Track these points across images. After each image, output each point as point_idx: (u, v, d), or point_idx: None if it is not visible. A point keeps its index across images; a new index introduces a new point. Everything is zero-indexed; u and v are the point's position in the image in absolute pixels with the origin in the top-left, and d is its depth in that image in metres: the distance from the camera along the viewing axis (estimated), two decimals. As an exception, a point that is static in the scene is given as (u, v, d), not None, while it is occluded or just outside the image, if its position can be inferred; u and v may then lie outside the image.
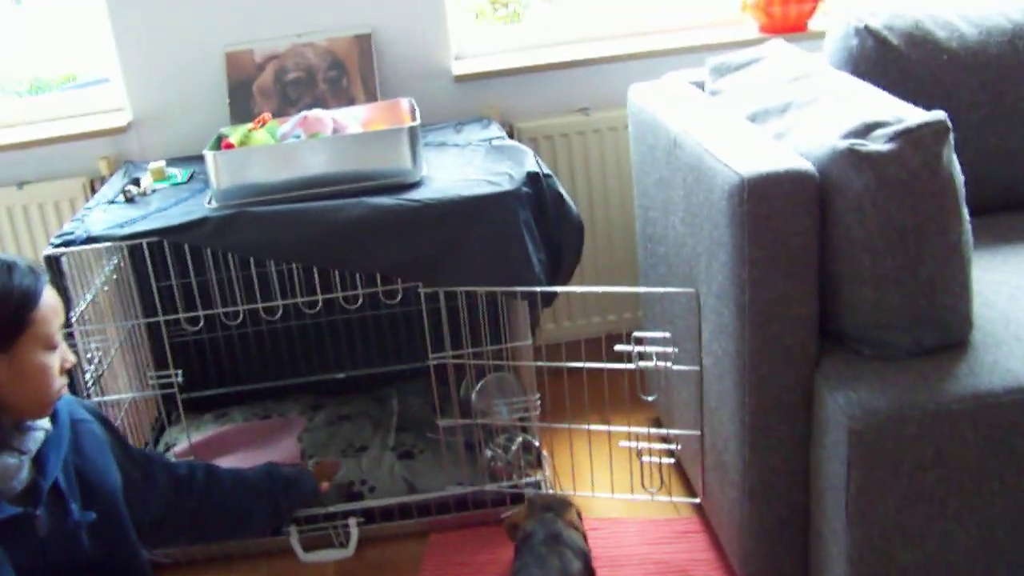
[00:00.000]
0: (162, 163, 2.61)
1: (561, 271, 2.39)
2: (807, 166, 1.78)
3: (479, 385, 2.46)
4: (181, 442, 2.64)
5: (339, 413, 2.75)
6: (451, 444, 2.42)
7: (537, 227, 2.28)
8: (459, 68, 2.86)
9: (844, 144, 1.75)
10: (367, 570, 2.34)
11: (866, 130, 1.77)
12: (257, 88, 2.80)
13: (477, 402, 2.45)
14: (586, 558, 2.02)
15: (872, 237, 1.76)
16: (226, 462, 2.53)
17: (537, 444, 2.46)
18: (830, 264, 1.83)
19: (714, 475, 2.14)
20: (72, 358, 1.74)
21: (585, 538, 2.11)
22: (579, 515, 2.18)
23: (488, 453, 2.44)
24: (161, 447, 2.67)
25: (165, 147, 2.84)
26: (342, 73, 2.80)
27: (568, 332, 3.00)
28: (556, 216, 2.33)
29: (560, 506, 2.14)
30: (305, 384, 2.93)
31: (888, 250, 1.76)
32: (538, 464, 2.46)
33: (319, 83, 2.80)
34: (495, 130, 2.65)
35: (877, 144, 1.73)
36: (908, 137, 1.73)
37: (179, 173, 2.60)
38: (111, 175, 2.75)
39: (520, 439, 2.46)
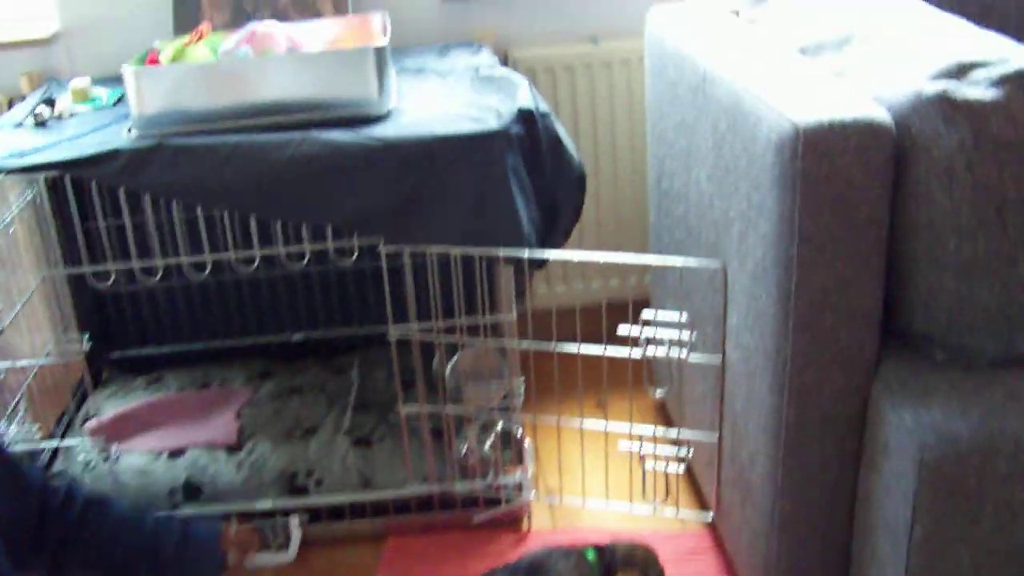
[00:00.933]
0: (86, 81, 2.18)
1: (556, 230, 1.97)
2: (882, 115, 1.36)
3: (452, 361, 2.05)
4: (104, 412, 2.24)
5: (289, 384, 2.35)
6: (416, 431, 2.02)
7: (529, 176, 1.86)
8: (447, -17, 2.42)
9: (933, 88, 1.33)
10: (310, 582, 1.96)
11: (961, 71, 1.35)
12: (207, -3, 2.36)
13: (449, 382, 2.05)
14: None
15: (961, 211, 1.35)
16: (150, 439, 2.15)
17: (520, 436, 2.06)
18: (902, 244, 1.42)
19: (734, 492, 1.74)
20: None
21: None
22: None
23: (461, 445, 2.04)
24: (80, 417, 2.26)
25: (97, 63, 2.40)
26: (308, -17, 2.36)
27: (562, 297, 2.59)
28: (553, 163, 1.91)
29: (623, 558, 1.70)
30: (255, 346, 2.52)
31: (981, 229, 1.35)
32: (519, 460, 2.06)
33: (281, -6, 2.36)
34: (486, 57, 2.21)
35: (977, 90, 1.32)
36: (1019, 83, 1.31)
37: (105, 94, 2.18)
38: (32, 93, 2.32)
39: (499, 429, 2.06)
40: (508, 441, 2.06)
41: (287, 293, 2.49)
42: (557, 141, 1.91)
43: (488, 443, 2.03)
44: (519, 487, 2.03)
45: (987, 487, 1.32)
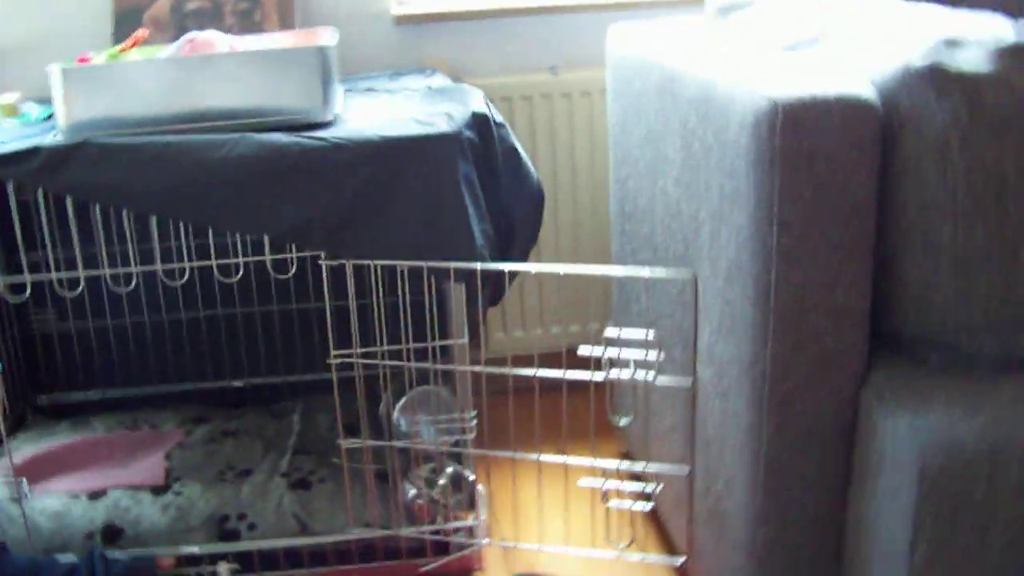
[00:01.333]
0: (15, 96, 2.04)
1: (512, 250, 1.83)
2: (866, 91, 1.25)
3: (402, 401, 1.89)
4: (21, 453, 2.05)
5: (224, 428, 2.17)
6: (358, 474, 1.85)
7: (483, 190, 1.72)
8: (401, 7, 2.31)
9: (924, 60, 1.22)
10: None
11: (952, 44, 1.24)
12: (149, 18, 2.24)
13: (397, 423, 1.88)
14: None
15: (957, 194, 1.23)
16: (69, 481, 1.95)
17: (472, 478, 1.88)
18: (891, 234, 1.29)
19: (708, 529, 1.58)
20: None
21: None
22: None
23: (408, 487, 1.87)
24: (-6, 461, 2.07)
25: (33, 84, 2.26)
26: (255, 5, 2.25)
27: (519, 344, 2.44)
28: (508, 176, 1.78)
29: None
30: (192, 392, 2.34)
31: (978, 214, 1.23)
32: (471, 505, 1.89)
33: (226, 15, 2.25)
34: (440, 80, 2.10)
35: (971, 61, 1.21)
36: (1018, 54, 1.20)
37: (36, 110, 2.04)
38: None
39: (450, 471, 1.89)
40: (459, 483, 1.89)
41: (228, 338, 2.32)
42: (513, 152, 1.79)
43: (438, 485, 1.86)
44: (471, 532, 1.85)
45: (997, 498, 1.18)
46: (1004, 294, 1.25)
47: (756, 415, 1.35)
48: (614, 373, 1.61)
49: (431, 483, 1.88)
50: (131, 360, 2.33)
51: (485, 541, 1.86)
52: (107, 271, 1.73)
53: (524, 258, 1.87)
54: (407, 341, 1.70)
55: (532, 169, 1.83)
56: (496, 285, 1.81)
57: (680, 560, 1.72)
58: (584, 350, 1.60)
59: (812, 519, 1.37)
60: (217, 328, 2.32)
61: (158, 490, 1.92)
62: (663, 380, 1.60)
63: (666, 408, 1.71)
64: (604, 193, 2.17)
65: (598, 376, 1.61)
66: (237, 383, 2.35)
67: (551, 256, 2.39)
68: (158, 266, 1.72)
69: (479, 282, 1.66)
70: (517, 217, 1.80)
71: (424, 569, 1.84)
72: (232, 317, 2.30)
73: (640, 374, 1.59)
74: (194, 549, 1.80)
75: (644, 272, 1.63)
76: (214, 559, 1.81)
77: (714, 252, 1.43)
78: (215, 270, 1.78)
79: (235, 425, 2.18)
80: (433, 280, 1.68)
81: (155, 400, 2.33)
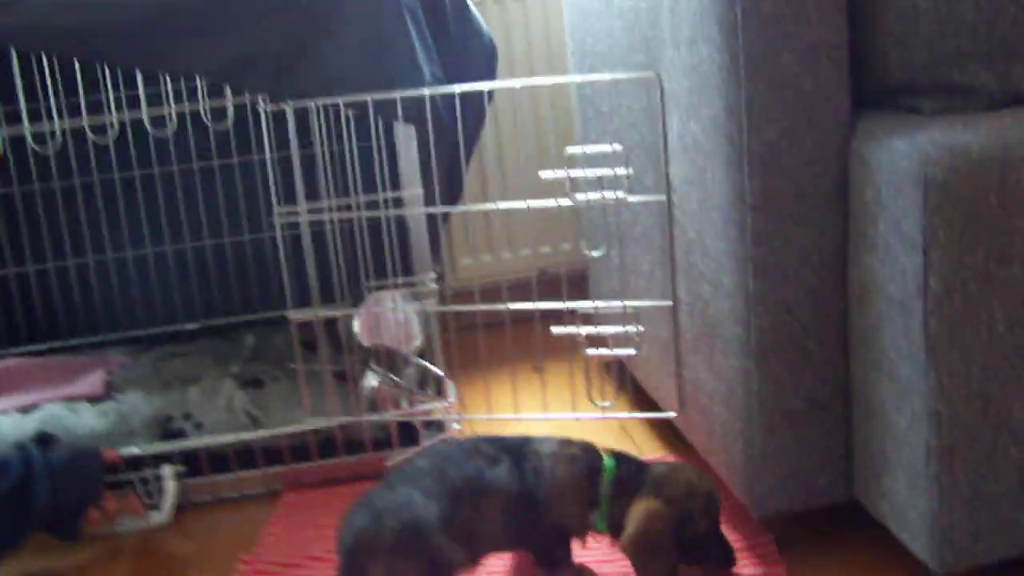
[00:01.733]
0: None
1: (465, 114, 1.70)
2: None
3: (359, 311, 1.73)
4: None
5: (173, 351, 2.01)
6: (316, 374, 1.69)
7: (432, 36, 1.61)
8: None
9: None
10: (186, 547, 1.58)
11: None
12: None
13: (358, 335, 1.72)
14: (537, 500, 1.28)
15: (934, -101, 1.12)
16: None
17: (441, 373, 1.72)
18: (863, -33, 1.18)
19: (697, 357, 1.43)
20: None
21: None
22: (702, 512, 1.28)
23: (369, 377, 1.71)
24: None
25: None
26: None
27: (489, 269, 2.30)
28: (457, 26, 1.67)
29: (655, 481, 1.28)
30: (143, 338, 2.18)
31: (960, -81, 1.12)
32: (439, 394, 1.73)
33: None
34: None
35: None
36: None
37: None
38: None
39: (414, 363, 1.73)
40: (426, 378, 1.73)
41: (179, 279, 2.18)
42: (463, 5, 1.68)
43: (404, 373, 1.70)
44: (440, 423, 1.69)
45: (1012, 207, 1.05)
46: (992, 15, 1.14)
47: (737, 177, 1.21)
48: (582, 197, 1.47)
49: (396, 371, 1.72)
50: (75, 310, 2.18)
51: (455, 423, 1.70)
52: (29, 127, 1.59)
53: (478, 125, 1.76)
54: (356, 194, 1.57)
55: (483, 25, 1.72)
56: (452, 173, 1.69)
57: (671, 414, 1.55)
58: (546, 173, 1.47)
59: (810, 296, 1.23)
60: (166, 268, 2.18)
61: (96, 399, 1.76)
62: (635, 198, 1.47)
63: (641, 251, 1.57)
64: (565, 96, 2.07)
65: (565, 201, 1.48)
66: (191, 325, 2.20)
67: (513, 168, 2.26)
68: (84, 120, 1.58)
69: (430, 121, 1.53)
70: (469, 71, 1.69)
71: (391, 462, 1.68)
72: (182, 254, 2.16)
73: (610, 194, 1.46)
74: (134, 449, 1.64)
75: (605, 77, 1.50)
76: (157, 461, 1.64)
77: (675, 28, 1.31)
78: (147, 122, 1.64)
79: (185, 349, 2.03)
80: (381, 124, 1.56)
81: (102, 347, 2.18)
